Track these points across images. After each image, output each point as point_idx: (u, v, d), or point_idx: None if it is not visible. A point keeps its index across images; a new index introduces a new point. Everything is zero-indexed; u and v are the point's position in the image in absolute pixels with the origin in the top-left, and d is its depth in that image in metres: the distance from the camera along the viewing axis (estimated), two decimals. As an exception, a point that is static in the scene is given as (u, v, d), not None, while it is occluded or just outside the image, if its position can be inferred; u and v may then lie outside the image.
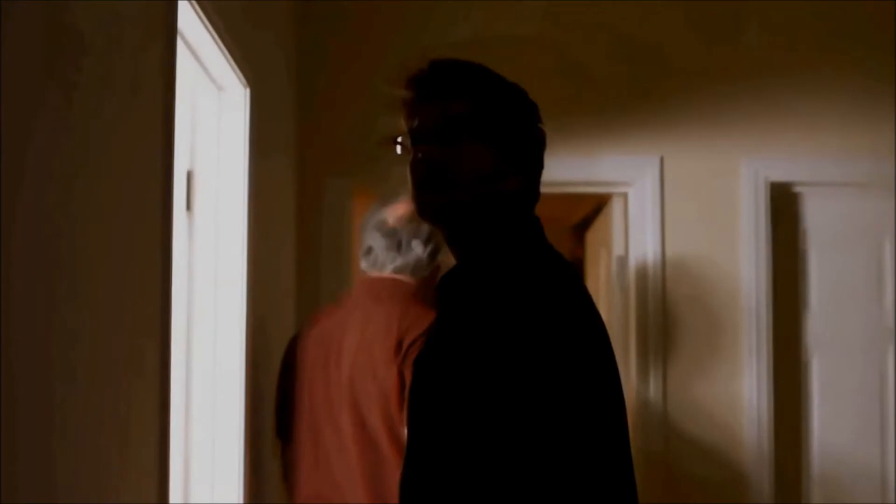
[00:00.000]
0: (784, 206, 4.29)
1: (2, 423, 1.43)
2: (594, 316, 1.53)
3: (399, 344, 2.61)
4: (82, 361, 1.75)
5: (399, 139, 1.75)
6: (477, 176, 1.67)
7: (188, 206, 2.92)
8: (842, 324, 4.29)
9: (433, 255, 2.84)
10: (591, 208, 5.57)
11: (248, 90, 3.02)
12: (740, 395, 4.14)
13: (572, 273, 1.60)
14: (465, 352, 1.39)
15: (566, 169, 4.23)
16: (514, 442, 1.32)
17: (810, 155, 4.24)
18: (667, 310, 4.16)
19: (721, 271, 4.19)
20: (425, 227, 2.81)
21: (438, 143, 1.67)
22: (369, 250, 2.85)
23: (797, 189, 4.33)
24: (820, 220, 4.34)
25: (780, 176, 4.24)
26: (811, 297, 4.31)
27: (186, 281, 2.89)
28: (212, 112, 2.98)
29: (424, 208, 1.70)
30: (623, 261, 4.30)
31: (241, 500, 2.93)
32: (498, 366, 1.35)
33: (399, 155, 1.75)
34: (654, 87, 4.21)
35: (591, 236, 5.04)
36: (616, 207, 4.39)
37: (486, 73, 1.76)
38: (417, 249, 2.82)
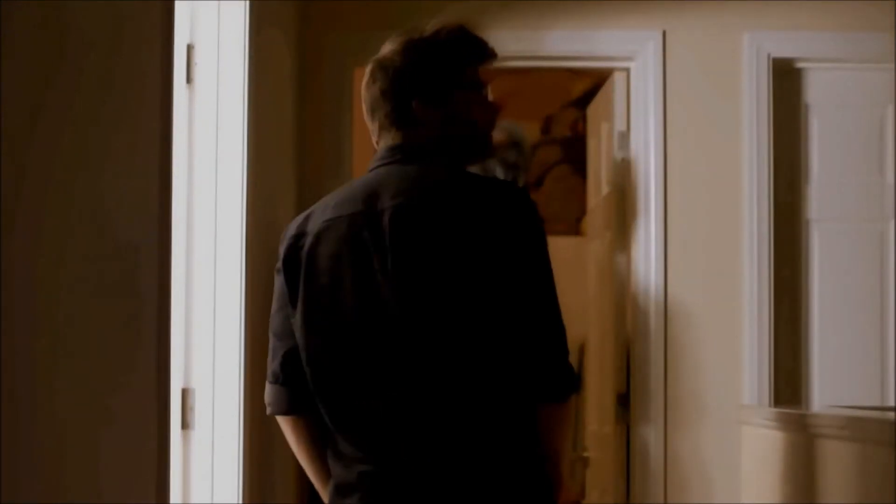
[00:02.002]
0: (786, 83, 4.28)
1: (1, 419, 1.43)
2: None
3: None
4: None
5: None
6: None
7: (188, 80, 2.91)
8: (842, 197, 4.30)
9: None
10: (592, 83, 5.54)
11: (247, -38, 2.99)
12: (740, 268, 4.16)
13: None
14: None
15: (567, 43, 4.20)
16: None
17: (813, 30, 4.21)
18: (667, 184, 4.17)
19: (723, 146, 4.19)
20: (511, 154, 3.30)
21: None
22: None
23: (799, 65, 4.31)
24: (821, 96, 4.32)
25: (782, 51, 4.21)
26: (812, 171, 4.31)
27: (187, 154, 2.89)
28: (211, -16, 2.96)
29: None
30: (625, 136, 4.30)
31: (241, 500, 2.95)
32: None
33: None
34: (657, -40, 4.17)
35: (593, 111, 5.02)
36: (618, 82, 4.36)
37: None
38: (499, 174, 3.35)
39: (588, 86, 5.87)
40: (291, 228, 2.42)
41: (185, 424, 2.88)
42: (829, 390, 4.25)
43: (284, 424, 2.50)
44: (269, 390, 2.46)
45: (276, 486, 3.56)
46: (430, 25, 2.58)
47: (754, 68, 4.19)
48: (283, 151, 3.80)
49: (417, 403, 2.28)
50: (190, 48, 2.92)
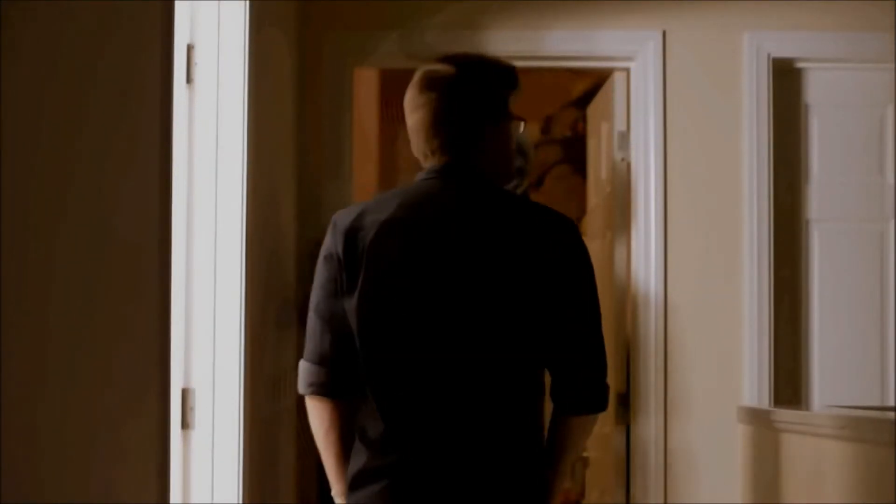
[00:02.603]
0: (786, 83, 4.28)
1: (1, 419, 1.43)
2: None
3: None
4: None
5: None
6: None
7: (188, 80, 2.91)
8: (842, 197, 4.30)
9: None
10: (592, 83, 5.54)
11: (247, -38, 2.99)
12: (740, 268, 4.16)
13: None
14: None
15: (567, 43, 4.20)
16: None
17: (813, 30, 4.21)
18: (667, 184, 4.17)
19: (723, 146, 4.19)
20: (518, 160, 3.22)
21: None
22: None
23: (799, 65, 4.31)
24: (822, 96, 4.32)
25: (782, 51, 4.22)
26: (812, 171, 4.32)
27: (186, 154, 2.89)
28: (211, -16, 2.96)
29: None
30: (625, 136, 4.30)
31: (241, 500, 2.95)
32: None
33: None
34: (657, -40, 4.17)
35: (593, 111, 5.02)
36: (618, 82, 4.36)
37: None
38: None
39: (588, 86, 5.88)
40: (344, 222, 2.48)
41: (185, 424, 2.88)
42: (829, 390, 4.25)
43: (318, 406, 2.53)
44: (310, 370, 2.51)
45: (276, 486, 3.57)
46: (455, 53, 2.67)
47: (754, 68, 4.19)
48: (283, 151, 3.81)
49: (457, 400, 2.41)
50: (190, 48, 2.92)
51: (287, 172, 3.88)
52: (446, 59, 2.59)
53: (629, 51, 4.22)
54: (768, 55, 4.20)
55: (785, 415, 3.59)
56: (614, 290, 4.32)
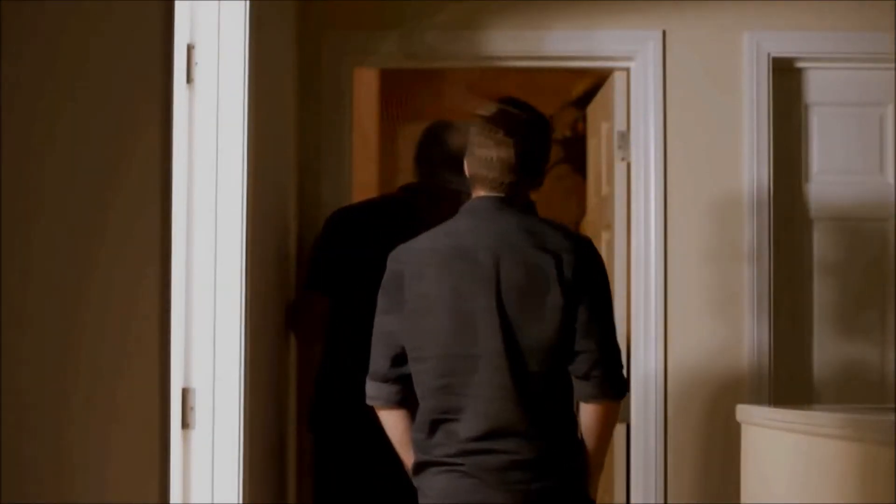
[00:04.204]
0: (786, 82, 4.28)
1: (1, 419, 1.43)
2: None
3: None
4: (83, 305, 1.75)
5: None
6: None
7: (188, 80, 2.91)
8: (842, 197, 4.31)
9: None
10: (592, 83, 5.54)
11: (247, -38, 2.99)
12: (740, 268, 4.17)
13: None
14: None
15: (567, 43, 4.20)
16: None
17: (813, 30, 4.21)
18: (667, 184, 4.17)
19: (723, 146, 4.19)
20: None
21: None
22: None
23: (799, 65, 4.31)
24: (821, 95, 4.32)
25: (782, 51, 4.22)
26: (812, 171, 4.32)
27: (186, 154, 2.89)
28: (211, -16, 2.95)
29: None
30: (625, 136, 4.30)
31: (241, 500, 2.95)
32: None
33: None
34: (657, -40, 4.17)
35: (593, 111, 5.02)
36: (618, 82, 4.37)
37: None
38: None
39: (588, 86, 5.88)
40: (402, 251, 2.98)
41: (185, 424, 2.88)
42: (829, 390, 4.25)
43: (387, 415, 3.02)
44: (374, 387, 3.00)
45: (276, 486, 3.57)
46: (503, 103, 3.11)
47: (754, 68, 4.19)
48: (283, 151, 3.80)
49: (499, 398, 2.85)
50: (190, 48, 2.92)
51: (287, 172, 3.88)
52: (513, 103, 3.08)
53: (629, 51, 4.22)
54: (768, 55, 4.20)
55: (785, 415, 3.59)
56: (613, 289, 4.32)
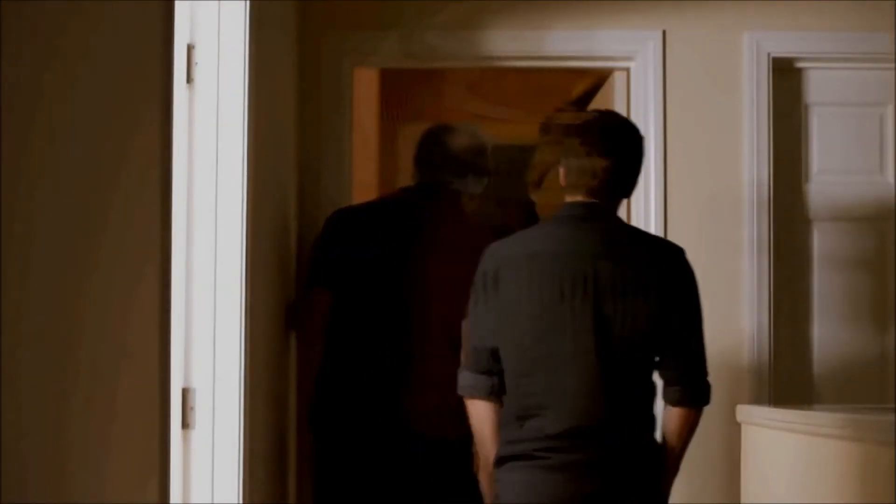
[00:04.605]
0: (786, 82, 4.28)
1: (1, 419, 1.43)
2: None
3: None
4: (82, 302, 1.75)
5: None
6: None
7: (188, 80, 2.91)
8: (842, 197, 4.31)
9: None
10: (592, 83, 5.54)
11: (247, -38, 2.99)
12: (740, 267, 4.17)
13: None
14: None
15: (567, 43, 4.20)
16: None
17: (813, 30, 4.21)
18: (667, 184, 4.17)
19: (723, 146, 4.19)
20: (481, 160, 3.87)
21: None
22: None
23: (799, 65, 4.31)
24: (821, 95, 4.32)
25: (782, 51, 4.22)
26: (812, 171, 4.32)
27: (187, 154, 2.89)
28: (211, -16, 2.95)
29: None
30: (624, 136, 4.30)
31: (241, 500, 2.95)
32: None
33: None
34: (657, -40, 4.17)
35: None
36: (618, 82, 4.37)
37: None
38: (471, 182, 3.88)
39: (588, 86, 5.87)
40: (498, 249, 3.06)
41: (185, 424, 2.88)
42: (829, 390, 4.25)
43: (477, 406, 3.09)
44: (470, 377, 3.08)
45: (276, 486, 3.57)
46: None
47: (754, 68, 4.19)
48: (284, 151, 3.81)
49: (586, 396, 2.94)
50: (190, 48, 2.92)
51: (287, 172, 3.88)
52: (611, 115, 3.22)
53: (629, 51, 4.22)
54: (768, 55, 4.20)
55: (785, 415, 3.59)
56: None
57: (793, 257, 4.29)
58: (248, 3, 2.99)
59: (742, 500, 3.97)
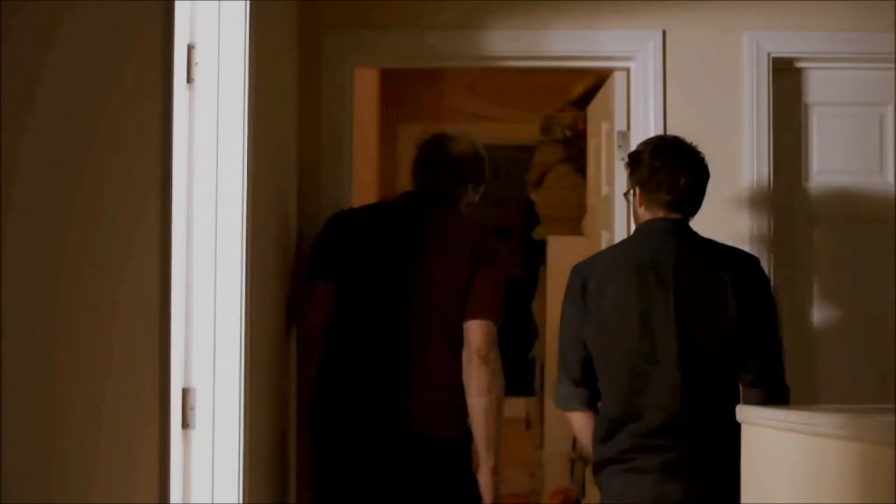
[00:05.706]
0: (786, 82, 4.28)
1: (1, 419, 1.43)
2: None
3: None
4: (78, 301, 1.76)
5: None
6: None
7: (188, 80, 2.91)
8: (842, 197, 4.31)
9: None
10: (592, 83, 5.54)
11: (247, -39, 2.99)
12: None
13: None
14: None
15: (567, 43, 4.20)
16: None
17: (813, 30, 4.21)
18: (666, 185, 4.16)
19: (723, 146, 4.19)
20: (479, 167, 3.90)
21: None
22: None
23: (799, 65, 4.31)
24: (821, 95, 4.32)
25: (782, 51, 4.22)
26: (812, 171, 4.32)
27: (186, 154, 2.89)
28: (211, -16, 2.95)
29: None
30: (625, 136, 4.30)
31: (241, 500, 2.95)
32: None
33: None
34: (657, -40, 4.17)
35: (593, 111, 5.02)
36: (618, 82, 4.37)
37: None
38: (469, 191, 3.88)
39: (588, 86, 5.87)
40: (582, 267, 3.31)
41: (185, 424, 2.88)
42: (829, 390, 4.24)
43: (576, 417, 3.36)
44: (567, 390, 3.34)
45: (276, 486, 3.57)
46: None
47: (754, 67, 4.19)
48: (284, 151, 3.81)
49: (671, 400, 3.15)
50: (190, 48, 2.92)
51: (287, 172, 3.88)
52: (678, 142, 3.42)
53: (629, 50, 4.21)
54: (768, 54, 4.20)
55: (785, 415, 3.59)
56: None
57: (793, 257, 4.29)
58: (248, 3, 2.99)
59: (742, 500, 3.96)
